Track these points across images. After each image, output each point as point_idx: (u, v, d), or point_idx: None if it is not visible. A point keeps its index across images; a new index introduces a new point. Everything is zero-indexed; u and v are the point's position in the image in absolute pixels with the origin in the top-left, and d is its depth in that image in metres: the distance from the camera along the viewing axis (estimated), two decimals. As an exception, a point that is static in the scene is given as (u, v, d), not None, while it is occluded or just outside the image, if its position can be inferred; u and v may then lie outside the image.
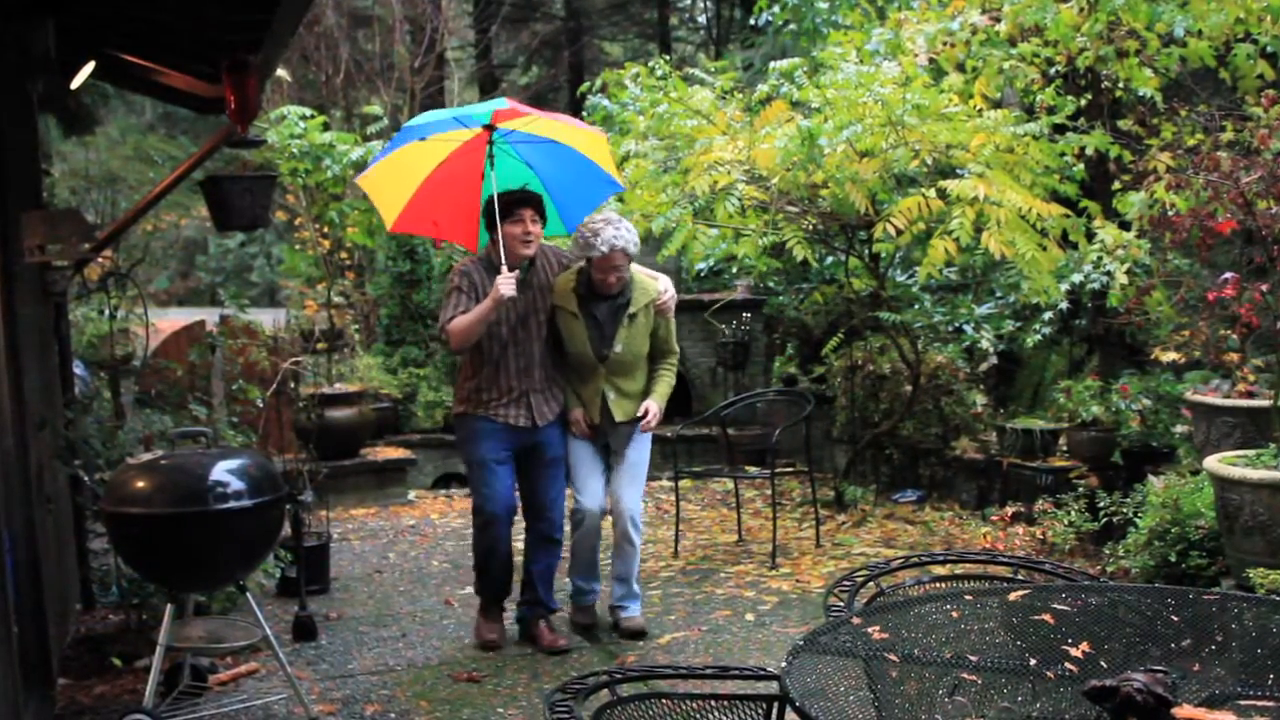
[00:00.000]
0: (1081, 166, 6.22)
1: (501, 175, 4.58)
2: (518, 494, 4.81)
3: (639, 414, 4.73)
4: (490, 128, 4.57)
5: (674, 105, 6.69)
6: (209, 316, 9.01)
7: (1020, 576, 3.00)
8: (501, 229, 4.46)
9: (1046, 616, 2.36)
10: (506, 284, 4.35)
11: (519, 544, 4.93)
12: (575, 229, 4.76)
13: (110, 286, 5.44)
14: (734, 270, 8.64)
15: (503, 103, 4.51)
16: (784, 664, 2.16)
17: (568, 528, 4.90)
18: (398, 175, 4.66)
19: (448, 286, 4.63)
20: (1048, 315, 6.69)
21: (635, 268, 4.73)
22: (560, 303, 4.67)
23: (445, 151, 4.66)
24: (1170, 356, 5.88)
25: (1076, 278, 6.11)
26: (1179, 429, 6.01)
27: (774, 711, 2.37)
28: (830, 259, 7.96)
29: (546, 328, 4.67)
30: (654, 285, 4.73)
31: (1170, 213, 5.51)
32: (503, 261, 4.42)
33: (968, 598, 2.62)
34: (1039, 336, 6.93)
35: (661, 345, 4.83)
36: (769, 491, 6.71)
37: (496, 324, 4.54)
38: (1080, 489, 5.94)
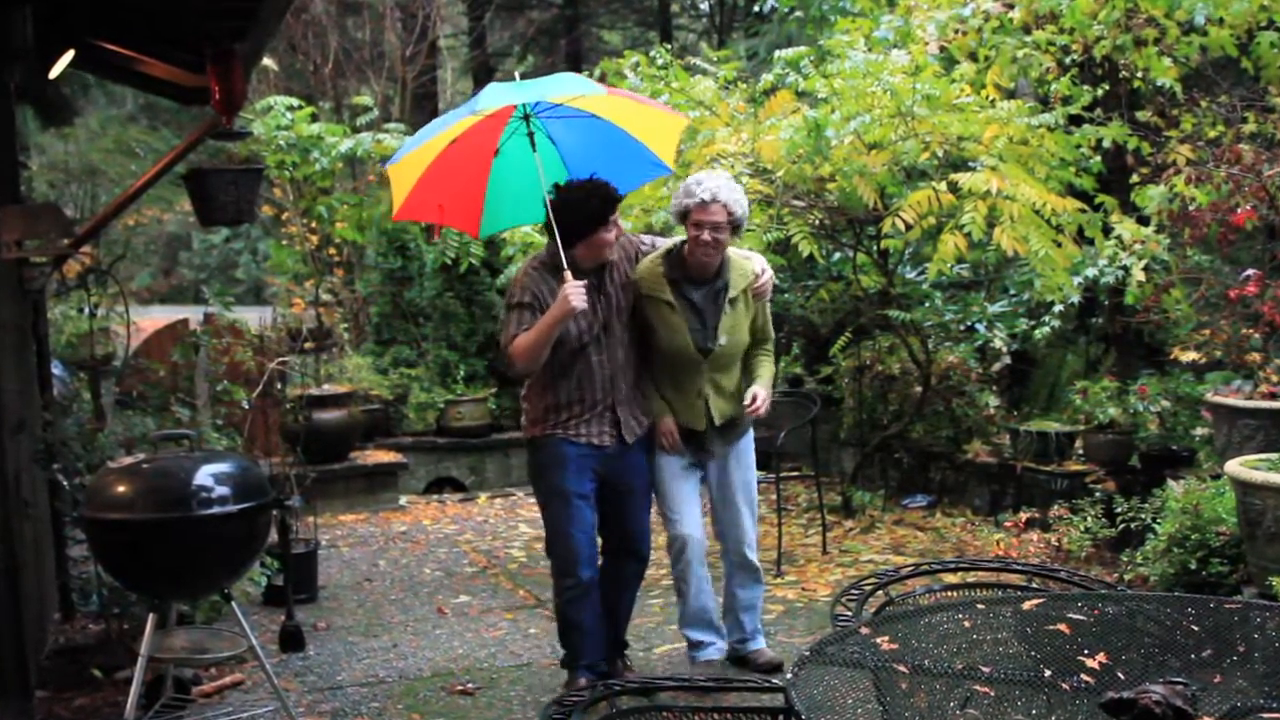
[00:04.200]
0: (1098, 159, 6.22)
1: (510, 150, 4.27)
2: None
3: (747, 403, 4.25)
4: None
5: (675, 96, 6.68)
6: (192, 315, 9.02)
7: (1034, 585, 3.00)
8: (592, 237, 4.06)
9: (1062, 626, 2.36)
10: (576, 293, 3.93)
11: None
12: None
13: (90, 284, 5.44)
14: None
15: (585, 81, 4.31)
16: (789, 675, 2.16)
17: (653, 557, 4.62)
18: (419, 158, 4.32)
19: (508, 300, 4.23)
20: (1058, 309, 6.69)
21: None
22: (651, 291, 4.22)
23: (461, 129, 4.28)
24: (1190, 356, 5.88)
25: (1091, 271, 6.10)
26: (1199, 432, 6.00)
27: (779, 725, 2.37)
28: (837, 255, 7.95)
29: (632, 328, 4.25)
30: (749, 265, 4.32)
31: (1190, 207, 5.52)
32: (565, 266, 3.99)
33: (980, 607, 2.62)
34: (1048, 329, 6.93)
35: (760, 334, 4.43)
36: (774, 496, 6.71)
37: (576, 335, 4.12)
38: (1097, 494, 5.94)
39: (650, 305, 4.22)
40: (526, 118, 4.19)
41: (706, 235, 4.09)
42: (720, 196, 4.09)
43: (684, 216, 4.18)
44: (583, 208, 4.05)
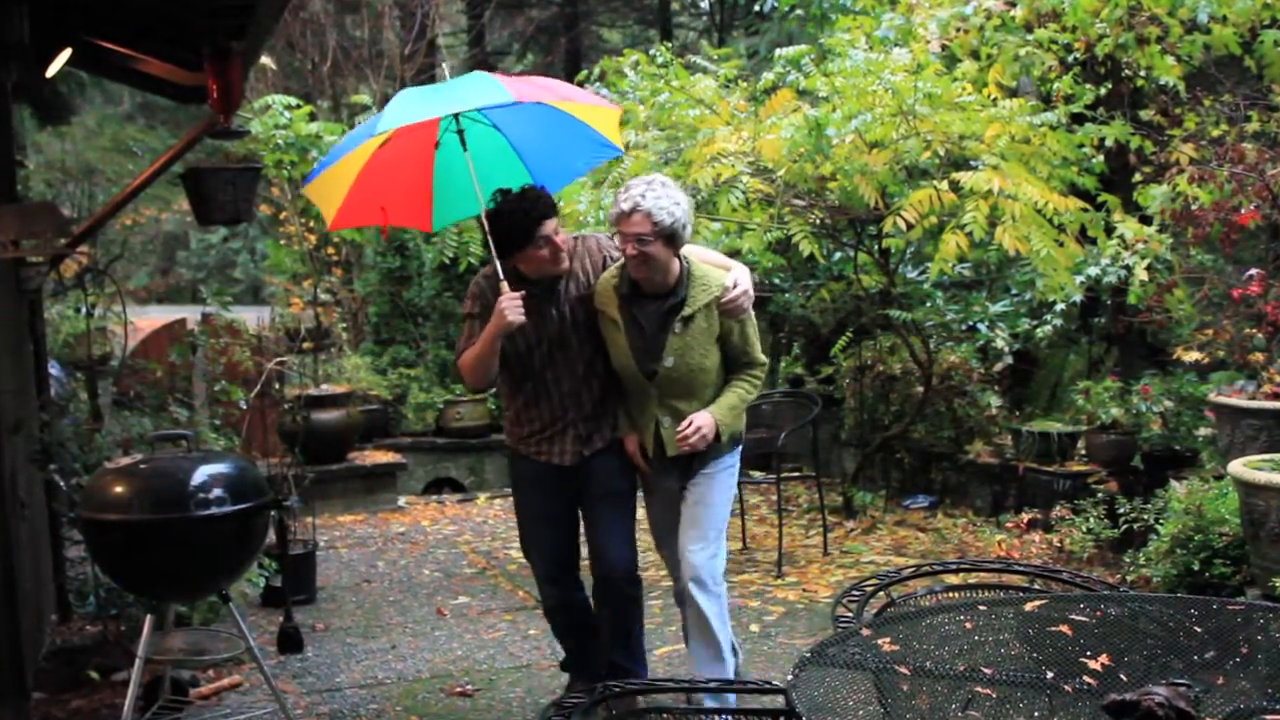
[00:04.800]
0: (1101, 158, 6.22)
1: (476, 150, 3.91)
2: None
3: (680, 428, 3.76)
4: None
5: (676, 94, 6.69)
6: (190, 314, 9.01)
7: (1037, 586, 3.00)
8: (528, 250, 3.78)
9: (1064, 628, 2.36)
10: (511, 307, 3.65)
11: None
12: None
13: (87, 283, 5.44)
14: (738, 266, 8.62)
15: (493, 83, 3.81)
16: (790, 677, 2.16)
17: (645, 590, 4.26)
18: (341, 172, 4.01)
19: (462, 311, 4.04)
20: (1060, 308, 6.70)
21: (699, 255, 3.94)
22: (600, 305, 3.85)
23: (375, 144, 3.97)
24: (1193, 356, 5.88)
25: (1093, 271, 6.11)
26: (1202, 432, 6.01)
27: (780, 727, 2.37)
28: (838, 254, 7.95)
29: (597, 342, 3.91)
30: (718, 278, 3.83)
31: (1193, 206, 5.52)
32: (501, 278, 3.74)
33: (982, 608, 2.62)
34: (1050, 329, 6.94)
35: (737, 355, 3.89)
36: (774, 497, 6.72)
37: (525, 349, 3.86)
38: (1099, 494, 5.94)
39: (600, 320, 3.87)
40: (456, 116, 3.88)
41: (631, 249, 3.68)
42: (642, 205, 3.65)
43: (616, 228, 3.79)
44: (513, 219, 3.76)
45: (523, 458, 3.99)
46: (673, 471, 3.91)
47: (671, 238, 3.69)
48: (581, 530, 4.08)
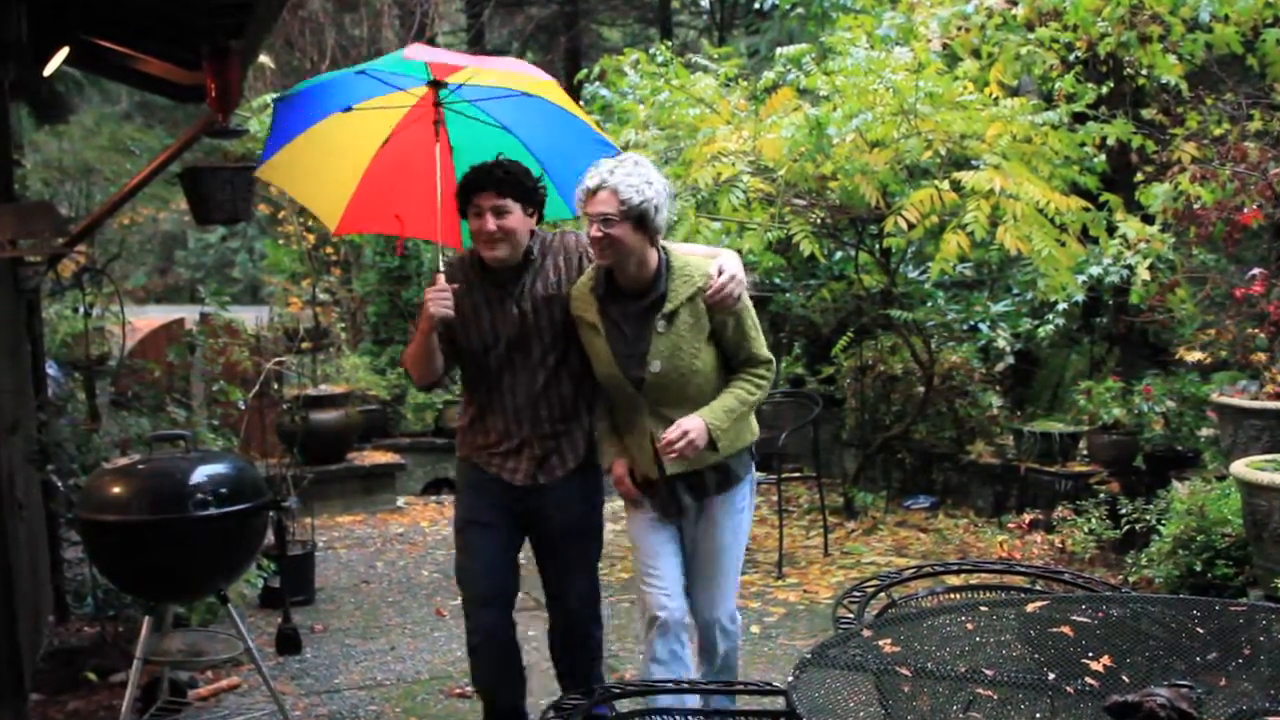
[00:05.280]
0: (1102, 157, 6.22)
1: (467, 145, 3.66)
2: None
3: (666, 435, 3.27)
4: (436, 84, 3.55)
5: (676, 93, 6.68)
6: (188, 314, 9.00)
7: (1038, 587, 3.00)
8: (470, 221, 3.43)
9: (1066, 629, 2.36)
10: (435, 299, 3.30)
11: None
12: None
13: (85, 283, 5.44)
14: (738, 266, 8.62)
15: (416, 51, 3.50)
16: (790, 678, 2.16)
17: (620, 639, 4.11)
18: (325, 160, 3.71)
19: None
20: (1062, 308, 6.71)
21: (683, 248, 3.54)
22: (578, 311, 3.43)
23: (389, 124, 3.71)
24: (1195, 356, 5.89)
25: (1095, 270, 6.12)
26: (1204, 432, 6.01)
27: (780, 728, 2.37)
28: (839, 254, 7.96)
29: (563, 350, 3.49)
30: (701, 267, 3.38)
31: (1195, 205, 5.52)
32: (439, 269, 3.42)
33: (983, 609, 2.62)
34: (1052, 329, 6.95)
35: (734, 352, 3.43)
36: (775, 498, 6.71)
37: (481, 348, 3.48)
38: (1101, 495, 5.94)
39: (580, 327, 3.45)
40: (438, 105, 3.55)
41: (595, 230, 3.26)
42: (608, 181, 3.25)
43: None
44: (460, 185, 3.41)
45: (469, 466, 3.57)
46: (678, 499, 3.44)
47: (641, 220, 3.26)
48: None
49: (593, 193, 3.27)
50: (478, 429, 3.55)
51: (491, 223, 3.35)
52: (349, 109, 3.59)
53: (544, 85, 3.62)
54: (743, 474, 3.50)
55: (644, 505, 3.48)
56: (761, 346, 3.45)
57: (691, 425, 3.27)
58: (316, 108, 3.64)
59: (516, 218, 3.38)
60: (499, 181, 3.36)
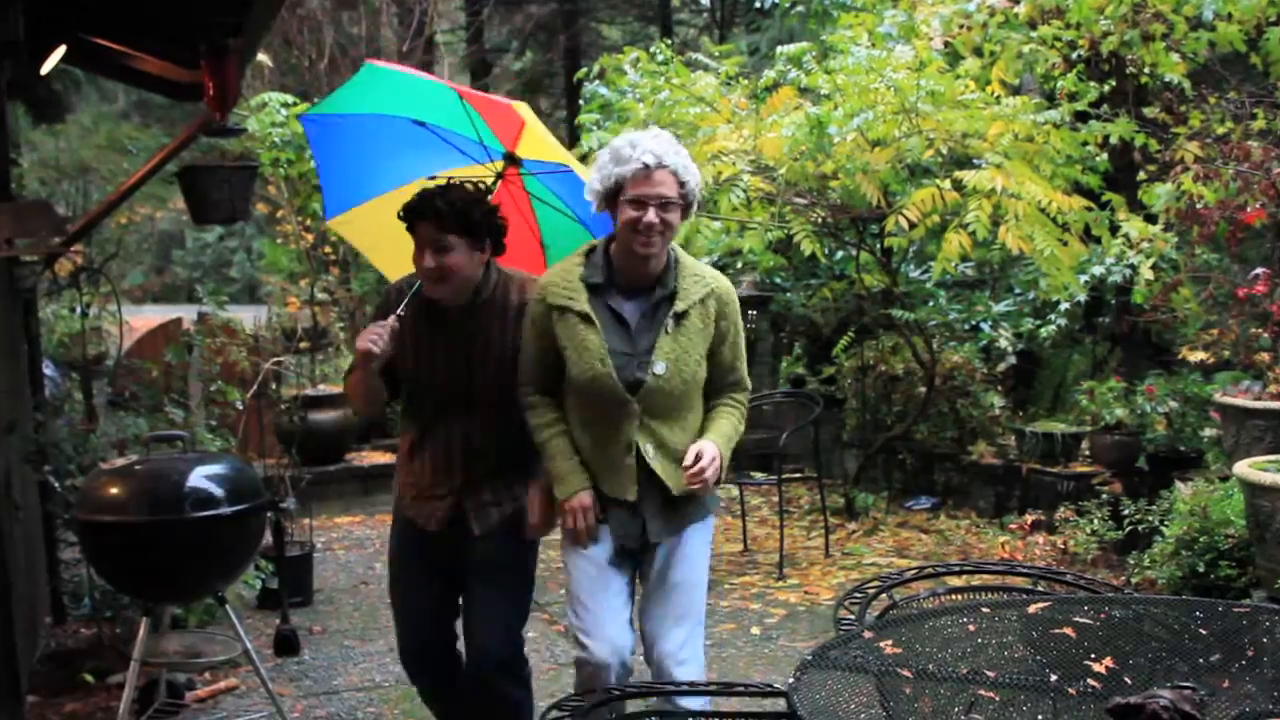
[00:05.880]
0: (1105, 156, 6.23)
1: (551, 227, 3.52)
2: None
3: (687, 462, 2.96)
4: (512, 158, 3.40)
5: (676, 92, 6.69)
6: (186, 314, 9.00)
7: (1040, 588, 3.00)
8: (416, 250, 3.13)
9: (1068, 630, 2.36)
10: (366, 336, 3.03)
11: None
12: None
13: (82, 282, 5.44)
14: (739, 265, 8.64)
15: (472, 97, 3.35)
16: (791, 680, 2.16)
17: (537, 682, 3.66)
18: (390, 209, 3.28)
19: None
20: (1064, 308, 6.71)
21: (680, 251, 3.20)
22: (557, 300, 3.03)
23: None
24: (1198, 356, 5.89)
25: (1097, 270, 6.12)
26: (1207, 433, 6.01)
27: (781, 730, 2.37)
28: (840, 253, 7.96)
29: (504, 401, 3.16)
30: (713, 274, 3.16)
31: (1198, 205, 5.52)
32: (396, 310, 3.13)
33: (985, 610, 2.62)
34: (1054, 329, 6.95)
35: (725, 371, 3.15)
36: (776, 498, 6.71)
37: (419, 391, 3.22)
38: (1103, 496, 5.94)
39: (559, 321, 3.03)
40: (514, 173, 3.39)
41: (652, 215, 2.93)
42: (667, 160, 2.95)
43: (614, 195, 3.01)
44: (406, 207, 3.12)
45: (398, 508, 3.35)
46: (655, 518, 3.08)
47: (689, 209, 3.07)
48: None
49: (649, 172, 2.94)
50: (407, 465, 3.30)
51: (430, 259, 3.04)
52: (433, 177, 3.31)
53: (569, 158, 3.48)
54: (713, 507, 3.25)
55: (602, 538, 3.07)
56: (745, 370, 3.22)
57: (710, 450, 2.97)
58: (385, 163, 3.49)
59: (460, 256, 3.06)
60: (438, 213, 3.03)
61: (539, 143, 3.45)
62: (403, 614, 3.38)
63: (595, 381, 3.00)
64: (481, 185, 3.25)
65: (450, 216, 3.03)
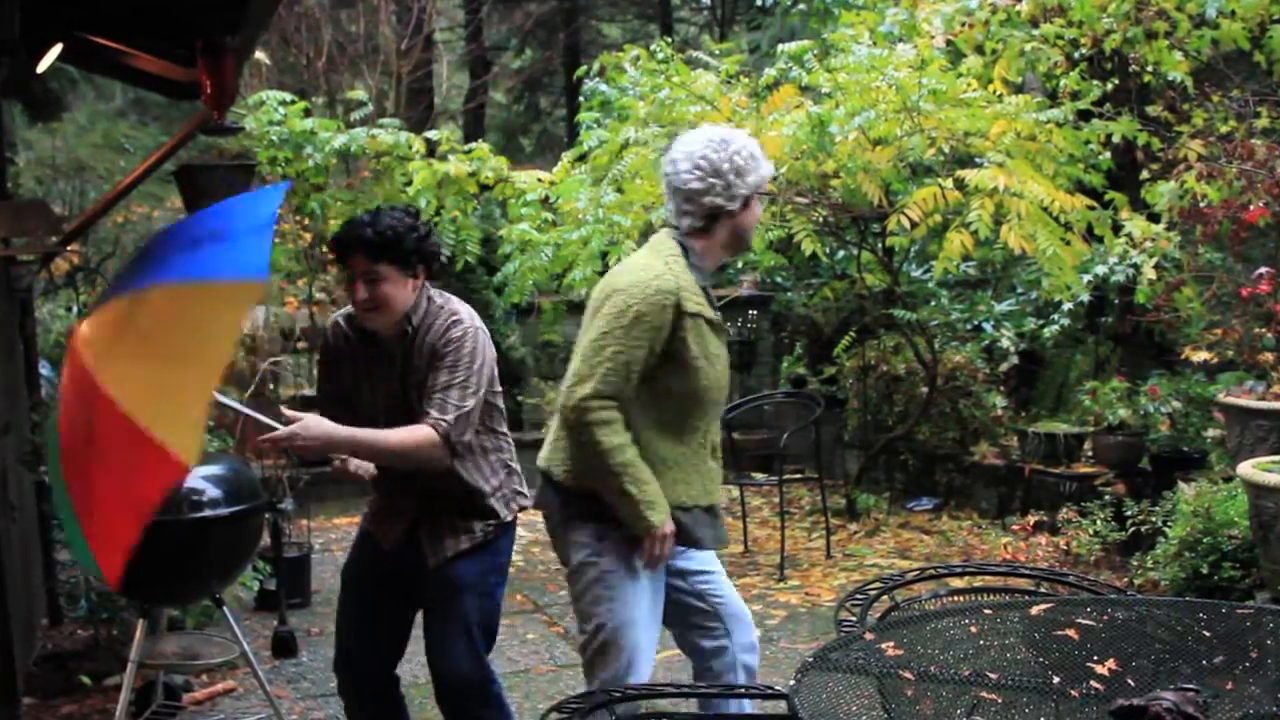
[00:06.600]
0: (1108, 155, 6.23)
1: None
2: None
3: None
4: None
5: (676, 90, 6.68)
6: (183, 314, 8.99)
7: (1043, 589, 3.00)
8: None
9: (1071, 632, 2.36)
10: (301, 439, 2.91)
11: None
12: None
13: (79, 282, 5.45)
14: (739, 265, 8.65)
15: None
16: (792, 682, 2.16)
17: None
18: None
19: None
20: (1067, 308, 6.71)
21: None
22: (693, 307, 2.85)
23: None
24: (1201, 356, 5.89)
25: (1100, 269, 6.12)
26: (1211, 433, 6.01)
27: (782, 732, 2.37)
28: (841, 253, 7.96)
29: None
30: None
31: (1202, 204, 5.52)
32: (335, 351, 3.20)
33: (987, 612, 2.62)
34: (1056, 329, 6.95)
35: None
36: (776, 499, 6.71)
37: (369, 417, 3.12)
38: (1106, 496, 5.94)
39: (691, 328, 2.84)
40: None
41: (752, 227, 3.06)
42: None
43: (747, 200, 2.94)
44: (335, 239, 3.12)
45: (365, 515, 3.37)
46: (720, 524, 3.07)
47: None
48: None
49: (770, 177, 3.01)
50: (379, 481, 3.26)
51: (362, 290, 3.02)
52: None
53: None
54: None
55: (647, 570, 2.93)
56: None
57: None
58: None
59: (391, 285, 3.03)
60: (368, 245, 3.00)
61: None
62: (339, 622, 3.41)
63: (721, 390, 2.97)
64: (411, 209, 3.19)
65: (380, 246, 3.00)
